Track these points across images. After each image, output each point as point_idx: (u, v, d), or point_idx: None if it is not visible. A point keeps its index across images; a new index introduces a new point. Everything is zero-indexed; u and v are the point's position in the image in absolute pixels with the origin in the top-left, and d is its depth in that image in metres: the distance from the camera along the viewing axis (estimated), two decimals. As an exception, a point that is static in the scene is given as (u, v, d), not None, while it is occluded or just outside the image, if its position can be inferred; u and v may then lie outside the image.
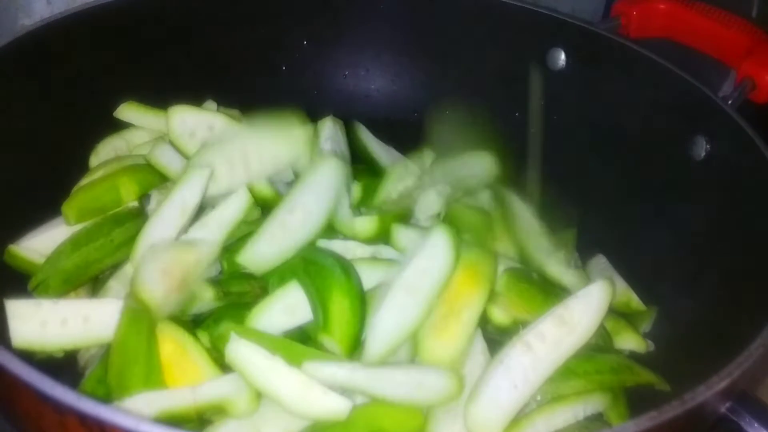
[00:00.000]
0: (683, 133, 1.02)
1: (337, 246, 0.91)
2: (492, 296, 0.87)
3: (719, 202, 0.98)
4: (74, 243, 0.88)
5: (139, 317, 0.79)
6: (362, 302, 0.82)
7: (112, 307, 0.81)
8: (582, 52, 1.14)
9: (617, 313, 0.97)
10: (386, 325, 0.80)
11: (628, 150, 1.10)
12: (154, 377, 0.76)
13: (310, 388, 0.72)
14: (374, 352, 0.79)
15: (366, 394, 0.75)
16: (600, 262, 1.06)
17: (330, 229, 0.92)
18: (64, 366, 0.83)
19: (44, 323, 0.80)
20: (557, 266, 0.96)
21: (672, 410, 0.65)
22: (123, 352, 0.77)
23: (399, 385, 0.75)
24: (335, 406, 0.72)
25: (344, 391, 0.74)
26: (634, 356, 0.92)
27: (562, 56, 1.15)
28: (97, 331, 0.81)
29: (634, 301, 1.00)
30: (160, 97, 1.05)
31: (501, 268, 0.91)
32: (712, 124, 1.00)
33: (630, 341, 0.93)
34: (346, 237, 0.93)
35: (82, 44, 1.01)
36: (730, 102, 1.04)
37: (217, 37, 1.15)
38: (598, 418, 0.81)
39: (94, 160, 1.00)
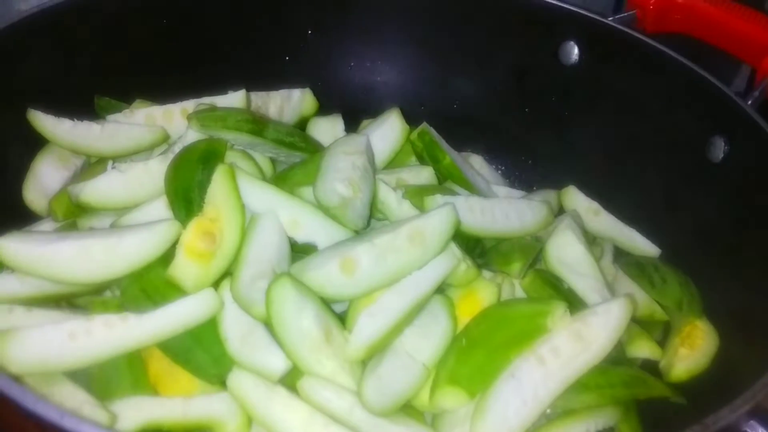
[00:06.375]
0: (701, 133, 0.99)
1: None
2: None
3: (738, 204, 0.95)
4: None
5: None
6: None
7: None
8: (596, 47, 1.11)
9: (632, 320, 0.94)
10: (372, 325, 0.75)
11: (642, 149, 1.08)
12: (142, 384, 0.75)
13: (312, 420, 0.70)
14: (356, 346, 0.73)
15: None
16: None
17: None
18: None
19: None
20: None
21: (694, 435, 0.63)
22: (104, 367, 0.74)
23: None
24: None
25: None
26: (646, 366, 0.90)
27: (575, 50, 1.12)
28: None
29: (658, 312, 0.97)
30: (158, 87, 1.03)
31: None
32: (731, 124, 0.97)
33: (645, 349, 0.92)
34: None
35: (78, 30, 1.00)
36: (749, 102, 1.00)
37: (218, 25, 1.13)
38: (608, 433, 0.80)
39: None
